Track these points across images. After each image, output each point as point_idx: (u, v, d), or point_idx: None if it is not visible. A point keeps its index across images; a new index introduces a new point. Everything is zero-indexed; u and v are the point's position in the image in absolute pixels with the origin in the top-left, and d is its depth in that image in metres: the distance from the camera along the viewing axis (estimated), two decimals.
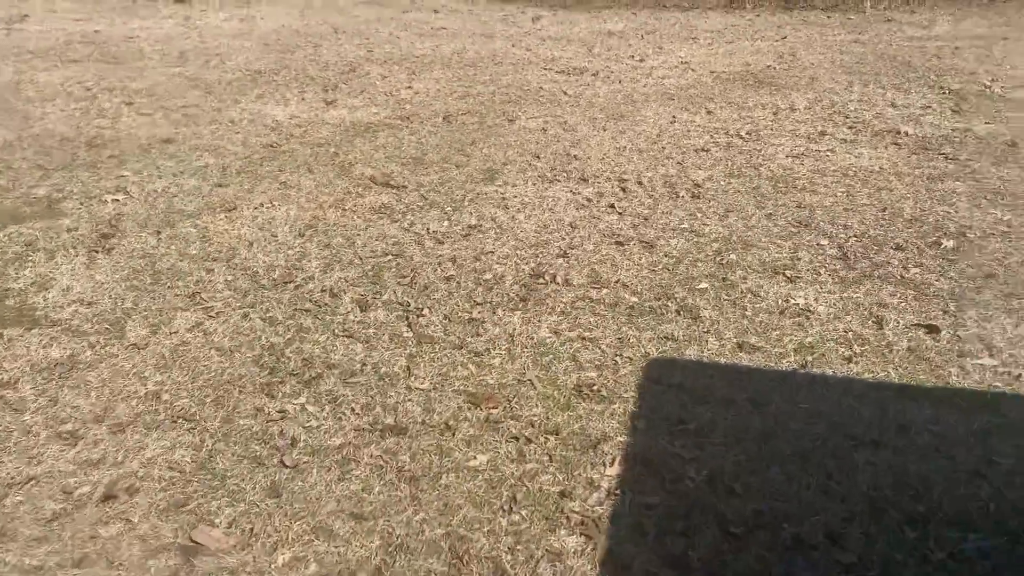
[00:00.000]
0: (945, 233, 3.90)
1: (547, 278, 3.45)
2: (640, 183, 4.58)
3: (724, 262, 3.61)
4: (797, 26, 9.77)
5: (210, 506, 2.16)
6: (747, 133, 5.42)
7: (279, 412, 2.54)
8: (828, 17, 10.54)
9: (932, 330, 3.07)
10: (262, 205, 4.13)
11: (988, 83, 6.85)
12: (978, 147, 5.16)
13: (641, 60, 7.75)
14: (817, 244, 3.81)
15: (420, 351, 2.89)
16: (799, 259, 3.65)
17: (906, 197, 4.35)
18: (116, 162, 4.73)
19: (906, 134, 5.43)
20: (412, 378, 2.73)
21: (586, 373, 2.78)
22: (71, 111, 5.85)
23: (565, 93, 6.46)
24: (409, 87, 6.65)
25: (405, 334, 3.00)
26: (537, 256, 3.66)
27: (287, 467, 2.30)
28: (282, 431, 2.44)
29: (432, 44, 8.53)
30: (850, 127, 5.58)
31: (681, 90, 6.56)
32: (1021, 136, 5.36)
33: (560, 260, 3.63)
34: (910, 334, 3.05)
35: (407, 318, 3.10)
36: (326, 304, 3.20)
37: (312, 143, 5.17)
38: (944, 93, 6.49)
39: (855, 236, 3.88)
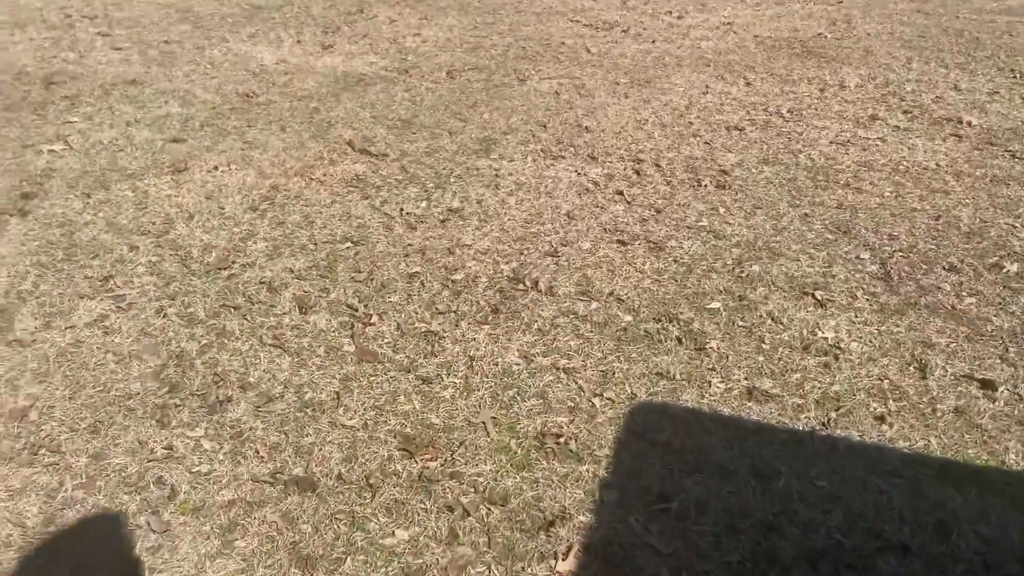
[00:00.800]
0: (1009, 253, 3.29)
1: (528, 283, 2.92)
2: (658, 165, 3.99)
3: (744, 275, 3.05)
4: None
5: None
6: (788, 112, 4.77)
7: (166, 448, 2.06)
8: None
9: (987, 386, 2.50)
10: (217, 168, 3.61)
11: None
12: None
13: (680, 17, 7.04)
14: (856, 257, 3.22)
15: (359, 372, 2.39)
16: (833, 276, 3.08)
17: (964, 203, 3.73)
18: (68, 104, 4.23)
19: (969, 124, 4.75)
20: (341, 409, 2.24)
21: (554, 417, 2.27)
22: (41, 40, 5.34)
23: (588, 51, 5.81)
24: (417, 34, 6.03)
25: (346, 348, 2.50)
26: (522, 253, 3.12)
27: (154, 532, 1.82)
28: (161, 478, 1.96)
29: None
30: (905, 112, 4.90)
31: (719, 55, 5.88)
32: None
33: (548, 260, 3.08)
34: (960, 388, 2.48)
35: (352, 327, 2.60)
36: (261, 301, 2.70)
37: (294, 95, 4.62)
38: (1015, 77, 5.74)
39: (901, 250, 3.28)
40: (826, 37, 6.50)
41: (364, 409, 2.24)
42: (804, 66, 5.67)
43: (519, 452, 2.13)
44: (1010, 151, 4.36)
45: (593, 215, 3.45)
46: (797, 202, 3.66)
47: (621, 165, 3.97)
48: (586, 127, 4.40)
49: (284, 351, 2.46)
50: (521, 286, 2.90)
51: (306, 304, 2.69)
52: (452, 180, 3.69)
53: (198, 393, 2.25)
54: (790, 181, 3.86)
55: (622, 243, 3.24)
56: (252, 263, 2.91)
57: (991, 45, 6.60)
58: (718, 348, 2.61)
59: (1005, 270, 3.17)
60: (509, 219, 3.38)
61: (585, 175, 3.85)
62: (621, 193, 3.67)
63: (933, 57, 6.14)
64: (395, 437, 2.15)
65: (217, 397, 2.23)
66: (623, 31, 6.45)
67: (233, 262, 2.91)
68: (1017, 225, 3.53)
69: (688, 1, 7.72)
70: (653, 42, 6.13)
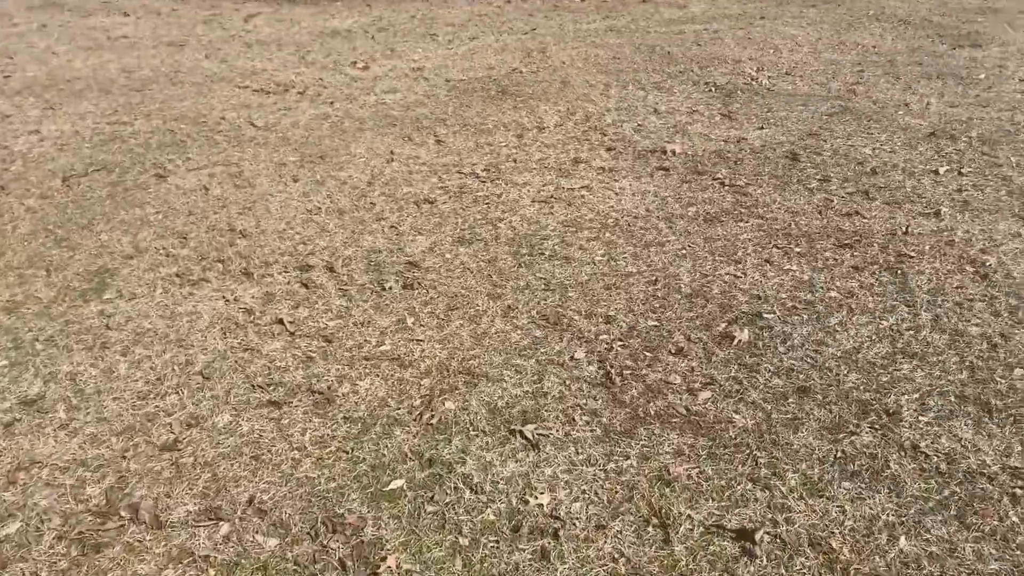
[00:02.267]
0: (737, 316, 2.84)
1: (125, 513, 2.00)
2: (332, 270, 3.21)
3: (435, 420, 2.33)
4: (549, 12, 8.76)
5: None
6: (484, 170, 4.19)
7: None
8: (581, 0, 9.63)
9: (744, 536, 1.94)
10: None
11: (754, 73, 6.09)
12: (756, 165, 4.24)
13: (365, 67, 6.34)
14: (571, 359, 2.62)
15: None
16: (545, 394, 2.44)
17: (681, 255, 3.28)
18: None
19: (673, 153, 4.43)
20: None
21: None
22: None
23: (253, 124, 4.93)
24: (36, 131, 4.84)
25: None
26: (125, 456, 2.20)
27: None
28: None
29: (97, 60, 6.64)
30: (609, 148, 4.50)
31: (407, 109, 5.23)
32: (800, 143, 4.52)
33: (164, 461, 2.18)
34: (712, 548, 1.90)
35: None
36: None
37: None
38: (710, 90, 5.62)
39: (620, 337, 2.73)
40: (521, 72, 6.08)
41: None
42: (500, 110, 5.16)
43: None
44: (717, 178, 4.05)
45: (239, 366, 2.59)
46: (499, 291, 3.02)
47: (284, 278, 3.14)
48: (241, 231, 3.52)
49: None
50: (112, 521, 1.98)
51: None
52: (39, 349, 2.67)
53: None
54: (490, 263, 3.23)
55: (276, 405, 2.41)
56: None
57: (683, 58, 6.52)
58: (396, 566, 1.85)
59: (736, 340, 2.70)
60: (114, 399, 2.43)
61: (236, 301, 2.98)
62: (281, 322, 2.84)
63: (630, 80, 5.90)
64: None
65: None
66: (299, 93, 5.63)
67: None
68: (739, 274, 3.13)
69: (375, 47, 7.06)
70: (332, 104, 5.36)
